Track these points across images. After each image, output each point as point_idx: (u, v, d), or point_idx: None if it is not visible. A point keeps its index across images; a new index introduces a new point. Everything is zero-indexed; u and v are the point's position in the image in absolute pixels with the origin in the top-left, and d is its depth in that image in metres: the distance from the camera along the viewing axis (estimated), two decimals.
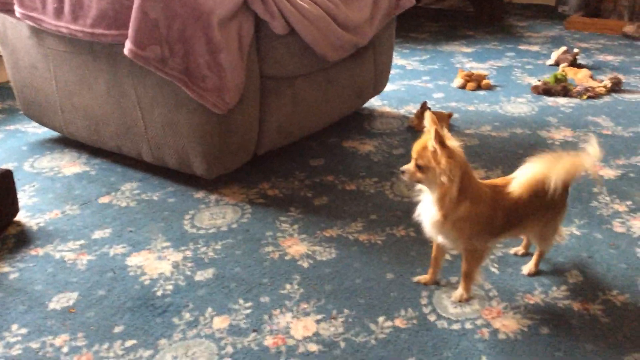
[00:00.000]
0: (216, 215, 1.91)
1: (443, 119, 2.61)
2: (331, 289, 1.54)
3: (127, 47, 1.78)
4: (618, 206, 1.91)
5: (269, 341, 1.35)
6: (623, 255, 1.65)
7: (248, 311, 1.45)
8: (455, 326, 1.39)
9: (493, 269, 1.61)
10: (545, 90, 3.02)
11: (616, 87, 3.05)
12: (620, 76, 3.16)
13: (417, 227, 1.64)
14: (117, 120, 2.08)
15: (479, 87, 3.17)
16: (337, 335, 1.37)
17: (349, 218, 1.89)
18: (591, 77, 3.13)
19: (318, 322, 1.42)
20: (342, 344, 1.34)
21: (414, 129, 2.60)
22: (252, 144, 2.09)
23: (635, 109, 2.80)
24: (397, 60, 3.72)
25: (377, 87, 2.71)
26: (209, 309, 1.46)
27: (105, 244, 1.75)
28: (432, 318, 1.43)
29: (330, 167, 2.25)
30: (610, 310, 1.43)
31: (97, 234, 1.80)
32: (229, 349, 1.33)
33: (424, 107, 2.59)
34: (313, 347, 1.33)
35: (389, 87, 3.13)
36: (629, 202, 1.93)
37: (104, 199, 2.01)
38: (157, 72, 1.80)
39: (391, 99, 3.04)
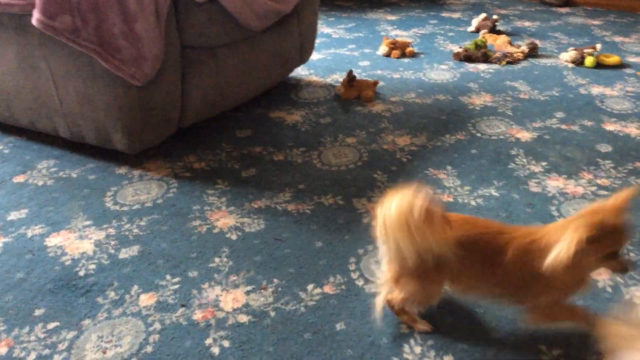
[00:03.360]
0: (140, 191, 1.86)
1: (369, 86, 2.63)
2: (260, 260, 1.54)
3: (35, 17, 1.68)
4: (534, 167, 2.00)
5: (198, 315, 1.34)
6: (539, 213, 1.74)
7: (176, 287, 1.43)
8: None
9: None
10: (467, 57, 3.09)
11: (533, 52, 3.16)
12: (537, 41, 3.28)
13: (345, 195, 1.66)
14: (29, 95, 1.97)
15: (403, 55, 3.20)
16: (267, 305, 1.38)
17: (277, 189, 1.88)
18: (509, 43, 3.23)
19: (248, 293, 1.42)
20: (272, 313, 1.35)
21: (341, 98, 2.61)
22: (175, 117, 2.03)
23: (551, 74, 2.91)
24: (322, 28, 3.71)
25: (302, 56, 2.69)
26: (135, 287, 1.43)
27: (22, 225, 1.67)
28: (360, 283, 1.45)
29: (257, 138, 2.23)
30: None
31: (13, 215, 1.72)
32: (157, 326, 1.31)
33: (350, 76, 2.60)
34: (243, 318, 1.34)
35: (315, 55, 3.12)
36: (544, 163, 2.02)
37: (19, 178, 1.91)
38: (69, 44, 1.71)
39: (317, 68, 3.03)
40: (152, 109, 1.90)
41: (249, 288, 1.43)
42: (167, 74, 1.90)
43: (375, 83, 2.68)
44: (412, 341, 1.27)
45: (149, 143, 1.99)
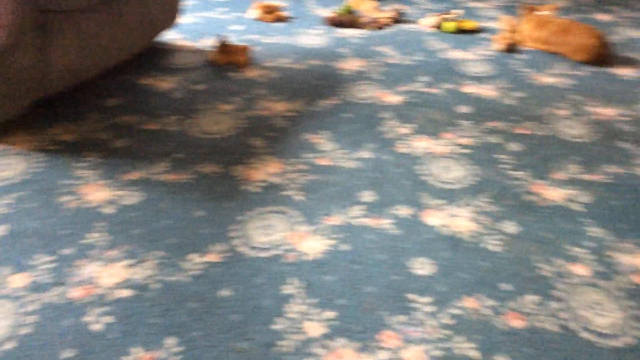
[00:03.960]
0: (3, 167, 1.73)
1: (241, 52, 2.61)
2: (140, 233, 1.51)
3: None
4: (402, 129, 2.11)
5: (75, 293, 1.30)
6: (407, 173, 1.85)
7: (50, 265, 1.37)
8: (265, 254, 1.47)
9: (299, 197, 1.70)
10: (337, 22, 3.16)
11: (399, 17, 3.29)
12: (402, 7, 3.41)
13: (224, 163, 1.66)
14: None
15: (277, 19, 3.20)
16: (149, 278, 1.36)
17: (153, 159, 1.84)
18: (377, 8, 3.34)
19: (128, 267, 1.39)
20: (156, 286, 1.34)
21: (214, 64, 2.57)
22: (36, 87, 1.89)
23: (416, 38, 3.06)
24: None
25: (170, 20, 2.60)
26: (4, 269, 1.35)
27: None
28: (242, 249, 1.48)
29: (128, 107, 2.14)
30: (399, 223, 1.61)
31: None
32: (32, 307, 1.25)
33: (222, 41, 2.56)
34: (125, 293, 1.31)
35: (186, 19, 3.03)
36: (410, 125, 2.14)
37: None
38: None
39: (189, 32, 2.94)
40: (8, 78, 1.75)
41: (129, 262, 1.41)
42: (23, 40, 1.76)
43: (245, 48, 2.66)
44: (295, 301, 1.32)
45: (9, 114, 1.85)
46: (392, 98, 2.36)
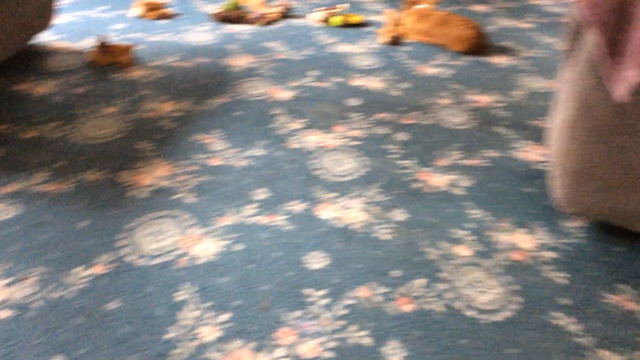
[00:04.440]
0: None
1: (124, 51, 2.51)
2: (18, 249, 1.42)
3: None
4: (294, 125, 2.13)
5: None
6: (300, 168, 1.87)
7: None
8: (155, 261, 1.43)
9: (190, 199, 1.66)
10: (225, 18, 3.12)
11: (287, 12, 3.31)
12: (290, 2, 3.43)
13: (109, 169, 1.59)
14: None
15: (162, 16, 3.11)
16: (30, 296, 1.28)
17: (32, 169, 1.73)
18: (264, 3, 3.33)
19: (7, 286, 1.30)
20: (37, 304, 1.27)
21: (95, 65, 2.46)
22: None
23: (305, 33, 3.09)
24: None
25: (45, 20, 2.45)
26: None
27: None
28: (131, 258, 1.43)
29: (1, 115, 2.00)
30: (293, 218, 1.62)
31: None
32: None
33: (103, 41, 2.45)
34: (2, 314, 1.23)
35: (64, 18, 2.87)
36: (302, 120, 2.16)
37: None
38: None
39: (66, 33, 2.79)
40: None
41: (7, 281, 1.32)
42: None
43: (128, 48, 2.57)
44: (188, 307, 1.30)
45: None
46: (283, 94, 2.37)
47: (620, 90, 1.28)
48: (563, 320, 1.31)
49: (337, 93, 2.41)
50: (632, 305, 1.37)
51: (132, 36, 2.83)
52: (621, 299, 1.39)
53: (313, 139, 2.03)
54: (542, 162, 1.95)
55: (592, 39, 1.32)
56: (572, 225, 1.64)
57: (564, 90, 1.56)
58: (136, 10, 3.09)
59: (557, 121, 1.59)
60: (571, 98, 1.50)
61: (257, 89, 2.39)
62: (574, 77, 1.49)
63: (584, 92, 1.43)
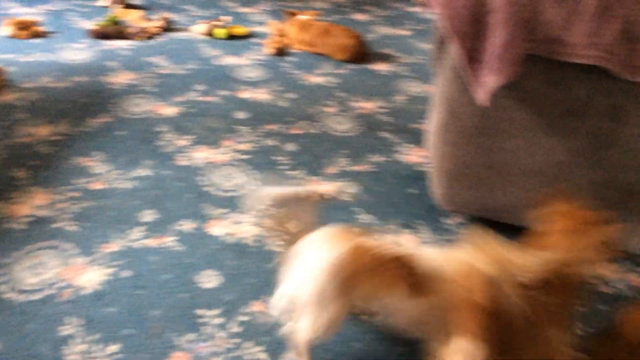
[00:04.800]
0: None
1: None
2: None
3: None
4: (180, 141, 2.09)
5: None
6: (189, 186, 1.83)
7: None
8: (36, 296, 1.35)
9: (72, 227, 1.59)
10: (103, 34, 3.01)
11: (168, 26, 3.24)
12: (171, 15, 3.37)
13: None
14: None
15: (34, 35, 2.94)
16: None
17: None
18: (144, 17, 3.25)
19: None
20: None
21: None
22: None
23: (187, 47, 3.04)
24: None
25: None
26: None
27: None
28: (9, 295, 1.34)
29: None
30: (183, 238, 1.59)
31: None
32: None
33: None
34: None
35: None
36: (189, 136, 2.13)
37: None
38: None
39: None
40: None
41: None
42: None
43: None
44: (74, 341, 1.24)
45: None
46: (168, 110, 2.32)
47: (481, 95, 1.38)
48: None
49: (224, 106, 2.39)
50: None
51: (2, 57, 2.66)
52: None
53: (201, 155, 2.01)
54: (423, 163, 2.05)
55: (454, 48, 1.41)
56: (453, 222, 1.73)
57: (436, 95, 1.66)
58: (6, 30, 2.90)
59: (432, 125, 1.68)
60: (442, 103, 1.59)
61: (141, 107, 2.32)
62: (443, 83, 1.59)
63: (451, 97, 1.52)
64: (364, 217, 1.73)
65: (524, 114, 1.47)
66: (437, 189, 1.69)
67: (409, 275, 1.04)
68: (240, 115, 2.33)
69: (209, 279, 1.45)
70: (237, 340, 1.27)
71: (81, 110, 2.25)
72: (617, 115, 1.40)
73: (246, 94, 2.53)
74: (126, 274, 1.44)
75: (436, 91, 1.67)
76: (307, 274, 1.07)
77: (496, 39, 1.34)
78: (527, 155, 1.51)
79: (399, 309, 1.09)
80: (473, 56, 1.37)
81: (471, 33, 1.36)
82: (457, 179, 1.60)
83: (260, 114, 2.35)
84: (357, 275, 1.05)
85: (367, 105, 2.50)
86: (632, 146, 1.44)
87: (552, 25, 1.31)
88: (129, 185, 1.80)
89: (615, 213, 1.55)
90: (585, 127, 1.44)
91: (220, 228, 1.64)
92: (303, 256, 1.10)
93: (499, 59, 1.33)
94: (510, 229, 1.68)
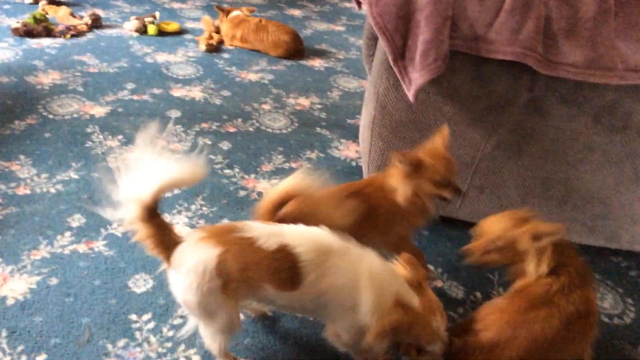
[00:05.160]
0: None
1: None
2: None
3: None
4: (111, 142, 2.04)
5: None
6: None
7: None
8: None
9: None
10: (27, 32, 2.88)
11: (96, 23, 3.13)
12: (99, 12, 3.26)
13: None
14: None
15: None
16: None
17: None
18: (71, 14, 3.14)
19: None
20: None
21: None
22: None
23: (117, 44, 2.95)
24: None
25: None
26: None
27: None
28: None
29: None
30: (114, 243, 1.55)
31: None
32: None
33: None
34: None
35: None
36: (120, 137, 2.08)
37: None
38: None
39: None
40: None
41: None
42: None
43: None
44: None
45: None
46: (98, 110, 2.25)
47: (410, 91, 1.40)
48: None
49: (156, 105, 2.34)
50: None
51: None
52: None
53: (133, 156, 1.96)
54: (358, 158, 2.07)
55: (383, 44, 1.43)
56: None
57: (368, 91, 1.68)
58: None
59: (364, 120, 1.70)
60: (372, 98, 1.61)
61: (68, 107, 2.25)
62: (374, 78, 1.61)
63: (382, 92, 1.54)
64: None
65: (451, 109, 1.51)
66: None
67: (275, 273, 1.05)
68: (173, 114, 2.29)
69: (141, 283, 1.42)
70: (170, 345, 1.26)
71: (5, 112, 2.15)
72: (538, 109, 1.46)
73: (179, 92, 2.49)
74: (54, 281, 1.40)
75: (368, 87, 1.69)
76: (187, 286, 1.06)
77: (422, 36, 1.36)
78: (455, 148, 1.55)
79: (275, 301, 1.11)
80: (401, 53, 1.40)
81: (399, 30, 1.38)
82: None
83: (194, 113, 2.32)
84: (232, 277, 1.04)
85: (303, 102, 2.50)
86: (552, 137, 1.50)
87: (475, 22, 1.35)
88: (56, 189, 1.74)
89: (536, 200, 1.62)
90: (509, 121, 1.49)
91: None
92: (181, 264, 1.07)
93: (425, 56, 1.36)
94: (443, 220, 1.72)
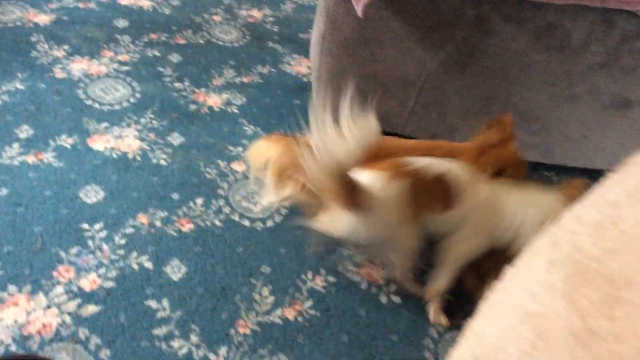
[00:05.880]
0: None
1: None
2: None
3: None
4: (57, 52, 1.98)
5: None
6: (67, 99, 1.77)
7: None
8: None
9: None
10: None
11: None
12: None
13: None
14: None
15: None
16: None
17: None
18: None
19: None
20: None
21: None
22: None
23: None
24: None
25: None
26: None
27: None
28: None
29: None
30: (63, 154, 1.56)
31: None
32: None
33: None
34: None
35: None
36: (66, 47, 2.02)
37: None
38: None
39: None
40: None
41: None
42: None
43: None
44: None
45: None
46: (42, 18, 2.17)
47: (358, 5, 1.41)
48: None
49: (103, 14, 2.27)
50: None
51: None
52: None
53: (79, 67, 1.92)
54: (310, 74, 2.08)
55: None
56: None
57: (319, 5, 1.67)
58: None
59: (314, 35, 1.70)
60: (322, 13, 1.61)
61: (10, 15, 2.15)
62: None
63: (331, 7, 1.54)
64: (250, 128, 1.77)
65: (399, 26, 1.53)
66: (317, 99, 1.74)
67: None
68: (121, 23, 2.23)
69: (92, 194, 1.45)
70: (122, 252, 1.31)
71: None
72: (483, 27, 1.50)
73: (127, 0, 2.40)
74: (4, 192, 1.41)
75: (319, 0, 1.68)
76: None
77: None
78: (402, 65, 1.59)
79: None
80: None
81: None
82: (337, 89, 1.66)
83: (142, 22, 2.26)
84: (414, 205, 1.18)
85: (255, 14, 2.46)
86: (496, 56, 1.55)
87: None
88: (2, 100, 1.71)
89: (480, 118, 1.69)
90: (454, 38, 1.53)
91: (102, 143, 1.62)
92: None
93: None
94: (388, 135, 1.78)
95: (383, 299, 1.35)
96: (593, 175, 1.76)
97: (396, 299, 1.36)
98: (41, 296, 1.19)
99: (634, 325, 0.36)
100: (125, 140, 1.64)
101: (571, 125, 1.69)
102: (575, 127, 1.70)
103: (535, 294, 0.46)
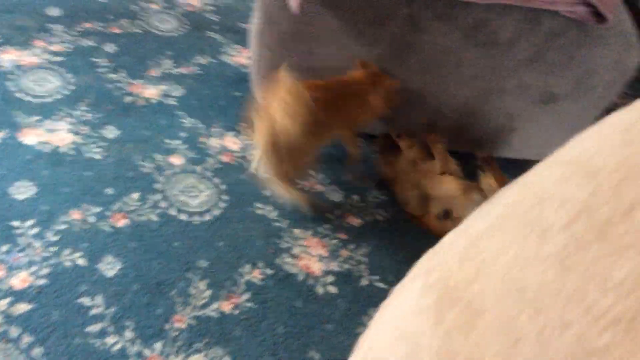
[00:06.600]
0: None
1: None
2: None
3: None
4: None
5: None
6: None
7: None
8: None
9: None
10: None
11: None
12: None
13: None
14: None
15: None
16: None
17: None
18: None
19: None
20: None
21: None
22: None
23: None
24: None
25: None
26: None
27: None
28: None
29: None
30: None
31: None
32: None
33: None
34: None
35: None
36: None
37: None
38: None
39: None
40: None
41: None
42: None
43: None
44: None
45: None
46: None
47: (293, 3, 1.42)
48: (264, 210, 1.51)
49: (34, 2, 2.19)
50: (319, 187, 1.62)
51: None
52: (310, 184, 1.63)
53: (9, 58, 1.86)
54: (250, 64, 2.08)
55: None
56: None
57: None
58: None
59: (253, 27, 1.71)
60: (260, 6, 1.61)
61: None
62: None
63: (267, 2, 1.55)
64: (188, 121, 1.76)
65: (335, 21, 1.55)
66: (257, 92, 1.75)
67: None
68: (53, 11, 2.16)
69: (23, 190, 1.42)
70: (55, 249, 1.29)
71: None
72: (415, 24, 1.54)
73: None
74: None
75: None
76: None
77: None
78: (339, 61, 1.62)
79: None
80: None
81: None
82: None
83: (75, 11, 2.19)
84: None
85: (194, 2, 2.43)
86: (427, 52, 1.60)
87: None
88: None
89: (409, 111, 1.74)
90: (388, 35, 1.56)
91: (33, 137, 1.58)
92: None
93: None
94: None
95: (320, 290, 1.38)
96: (521, 166, 1.85)
97: (332, 290, 1.39)
98: None
99: (485, 352, 0.41)
100: (57, 134, 1.60)
101: (500, 118, 1.77)
102: (505, 120, 1.78)
103: (410, 315, 0.50)
